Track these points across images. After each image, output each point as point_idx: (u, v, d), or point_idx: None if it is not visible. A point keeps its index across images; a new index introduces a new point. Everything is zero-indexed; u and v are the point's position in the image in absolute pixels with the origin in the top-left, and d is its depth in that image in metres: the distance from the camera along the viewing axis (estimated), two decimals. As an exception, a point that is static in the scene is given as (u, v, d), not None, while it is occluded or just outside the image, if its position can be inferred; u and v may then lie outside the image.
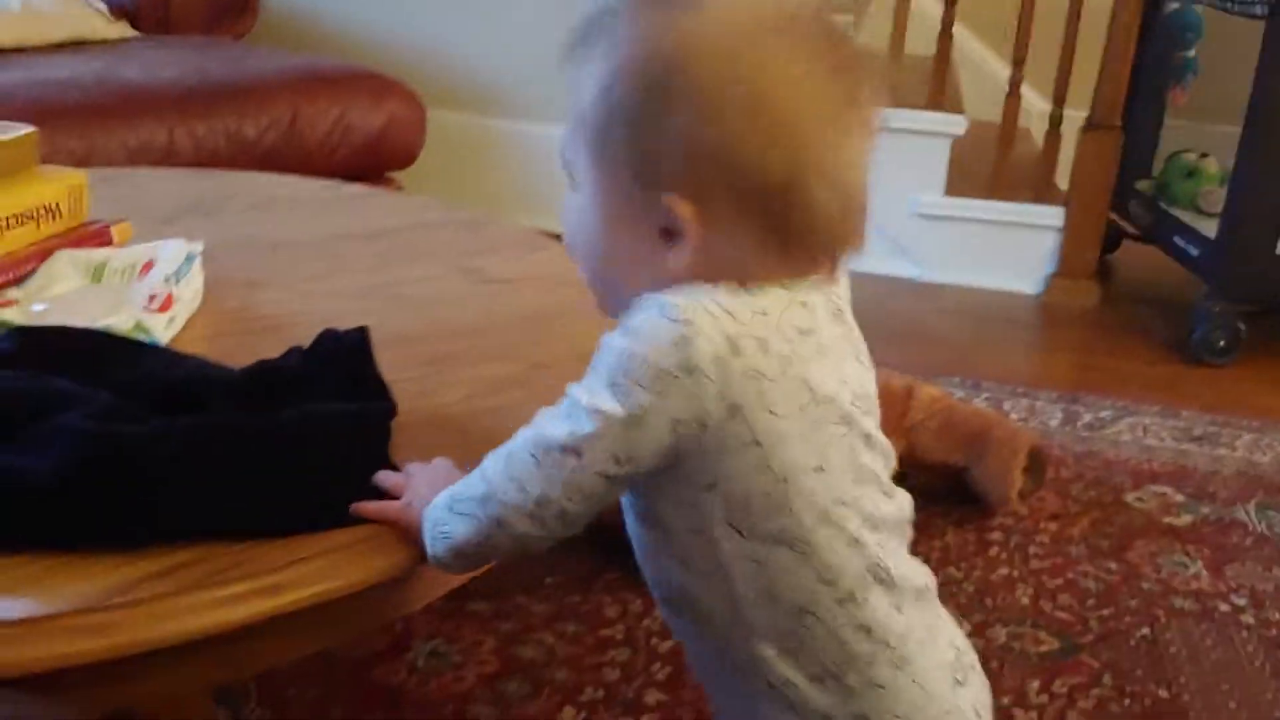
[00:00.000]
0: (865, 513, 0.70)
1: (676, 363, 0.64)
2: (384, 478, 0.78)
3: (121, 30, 2.39)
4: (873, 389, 0.75)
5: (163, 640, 0.67)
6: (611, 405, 0.65)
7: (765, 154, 0.66)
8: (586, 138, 0.71)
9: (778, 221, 0.68)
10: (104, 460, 0.72)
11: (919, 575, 0.75)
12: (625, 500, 0.75)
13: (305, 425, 0.79)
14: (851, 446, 0.70)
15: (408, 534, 0.74)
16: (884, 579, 0.71)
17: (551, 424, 0.68)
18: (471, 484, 0.72)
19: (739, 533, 0.69)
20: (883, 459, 0.74)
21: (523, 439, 0.70)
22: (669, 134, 0.67)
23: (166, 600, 0.68)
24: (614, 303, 0.73)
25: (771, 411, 0.66)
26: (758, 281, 0.68)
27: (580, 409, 0.66)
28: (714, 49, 0.67)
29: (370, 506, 0.76)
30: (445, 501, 0.73)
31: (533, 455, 0.69)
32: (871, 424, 0.73)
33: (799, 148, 0.67)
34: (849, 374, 0.72)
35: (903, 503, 0.76)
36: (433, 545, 0.73)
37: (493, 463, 0.71)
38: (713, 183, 0.67)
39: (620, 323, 0.67)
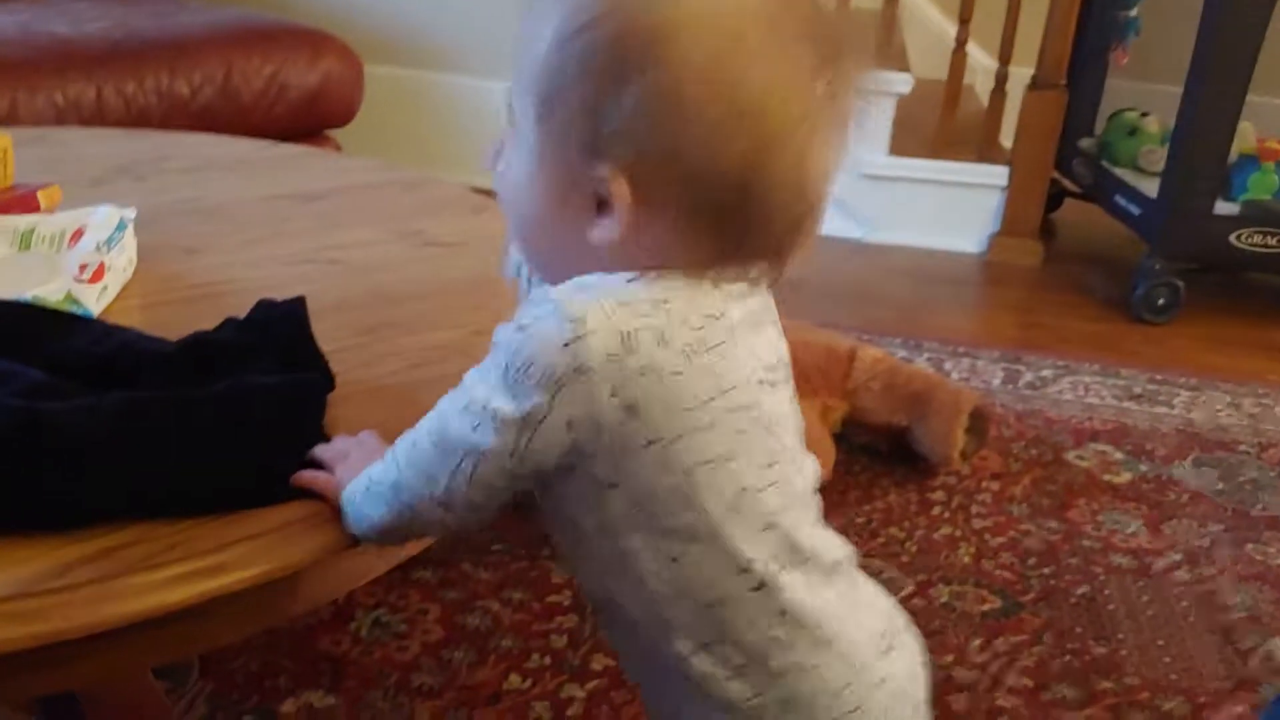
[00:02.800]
0: (775, 495, 0.68)
1: (567, 364, 0.62)
2: (321, 450, 0.76)
3: (47, -18, 2.32)
4: (785, 351, 0.72)
5: (100, 625, 0.65)
6: (506, 405, 0.63)
7: (725, 147, 0.63)
8: (535, 90, 0.67)
9: (726, 217, 0.65)
10: (28, 439, 0.70)
11: (833, 548, 0.73)
12: (540, 505, 0.73)
13: (237, 399, 0.77)
14: (761, 427, 0.68)
15: (336, 507, 0.73)
16: (797, 560, 0.69)
17: (452, 417, 0.66)
18: (385, 469, 0.70)
19: (647, 531, 0.67)
20: (794, 430, 0.72)
21: (426, 429, 0.68)
22: (623, 105, 0.63)
23: (103, 584, 0.66)
24: (540, 267, 0.72)
25: (670, 407, 0.64)
26: (681, 272, 0.66)
27: (477, 405, 0.65)
28: (692, 28, 0.63)
29: (304, 476, 0.74)
30: (363, 483, 0.71)
31: (435, 446, 0.67)
32: (782, 394, 0.71)
33: (764, 146, 0.63)
34: (760, 346, 0.69)
35: (809, 472, 0.73)
36: (356, 525, 0.72)
37: (402, 450, 0.70)
38: (659, 165, 0.64)
39: (516, 314, 0.65)
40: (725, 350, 0.66)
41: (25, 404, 0.72)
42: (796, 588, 0.69)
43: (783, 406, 0.71)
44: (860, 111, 0.67)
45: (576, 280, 0.66)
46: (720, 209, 0.65)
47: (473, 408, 0.65)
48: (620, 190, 0.64)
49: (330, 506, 0.73)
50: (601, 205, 0.66)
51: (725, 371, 0.66)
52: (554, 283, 0.68)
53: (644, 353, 0.63)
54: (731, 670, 0.70)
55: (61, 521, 0.69)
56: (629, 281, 0.65)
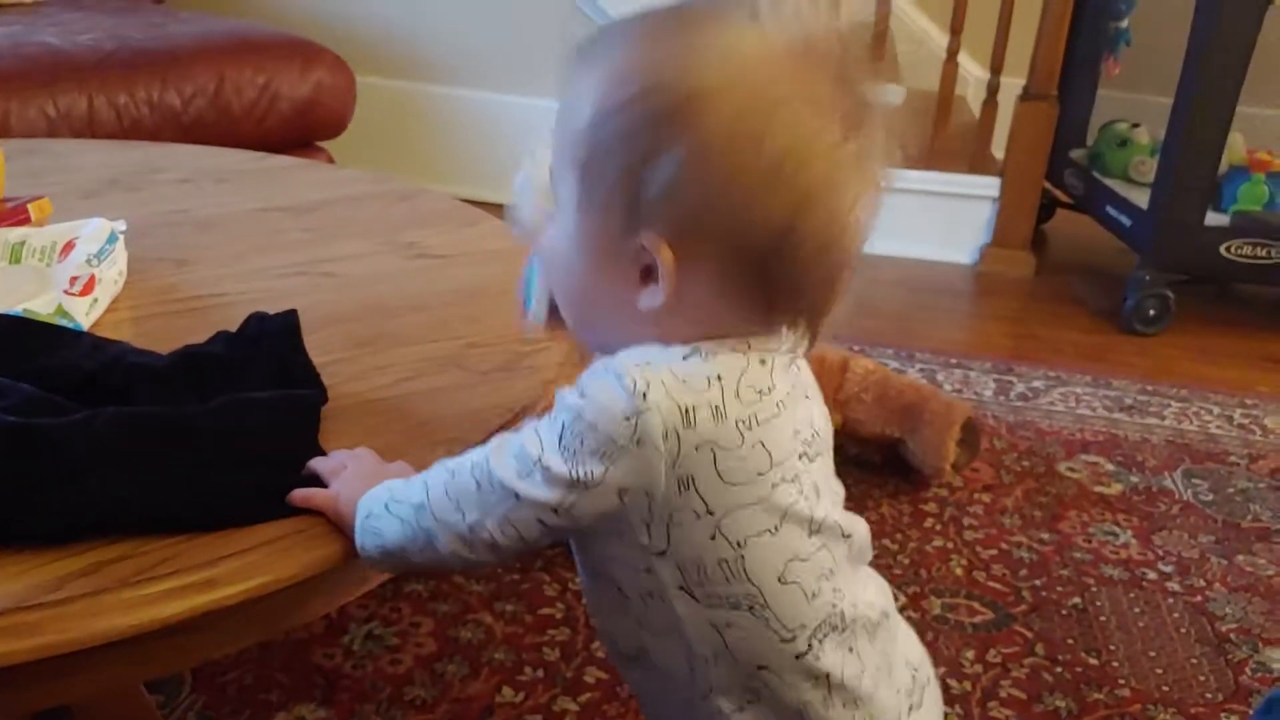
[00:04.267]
0: (820, 564, 0.70)
1: (627, 436, 0.63)
2: (318, 463, 0.76)
3: (39, -8, 2.31)
4: (822, 422, 0.74)
5: (92, 639, 0.65)
6: (559, 465, 0.64)
7: (764, 205, 0.63)
8: (576, 164, 0.68)
9: (767, 274, 0.65)
10: (25, 454, 0.70)
11: (876, 604, 0.75)
12: (577, 558, 0.75)
13: (232, 414, 0.77)
14: (806, 499, 0.69)
15: (336, 523, 0.73)
16: (839, 624, 0.71)
17: (502, 458, 0.67)
18: (412, 489, 0.71)
19: (694, 598, 0.68)
20: (834, 496, 0.74)
21: (470, 461, 0.69)
22: (662, 173, 0.64)
23: (96, 598, 0.65)
24: (588, 336, 0.72)
25: (726, 481, 0.65)
26: (730, 334, 0.67)
27: (529, 457, 0.66)
28: (724, 92, 0.63)
29: (299, 495, 0.74)
30: (383, 497, 0.71)
31: (476, 480, 0.68)
32: (823, 464, 0.72)
33: (800, 202, 0.64)
34: (800, 419, 0.70)
35: (858, 530, 0.75)
36: (361, 537, 0.72)
37: (437, 475, 0.70)
38: (701, 228, 0.64)
39: (579, 378, 0.66)
40: (775, 424, 0.67)
41: (21, 420, 0.71)
42: (837, 653, 0.71)
43: (823, 478, 0.72)
44: (891, 164, 0.67)
45: (635, 351, 0.67)
46: (761, 266, 0.65)
47: (524, 457, 0.66)
48: (665, 256, 0.65)
49: (327, 521, 0.73)
50: (646, 272, 0.67)
51: (775, 445, 0.67)
52: (601, 349, 0.70)
53: (702, 428, 0.64)
54: None
55: (57, 536, 0.68)
56: (685, 358, 0.66)
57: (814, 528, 0.70)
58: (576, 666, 1.31)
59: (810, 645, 0.70)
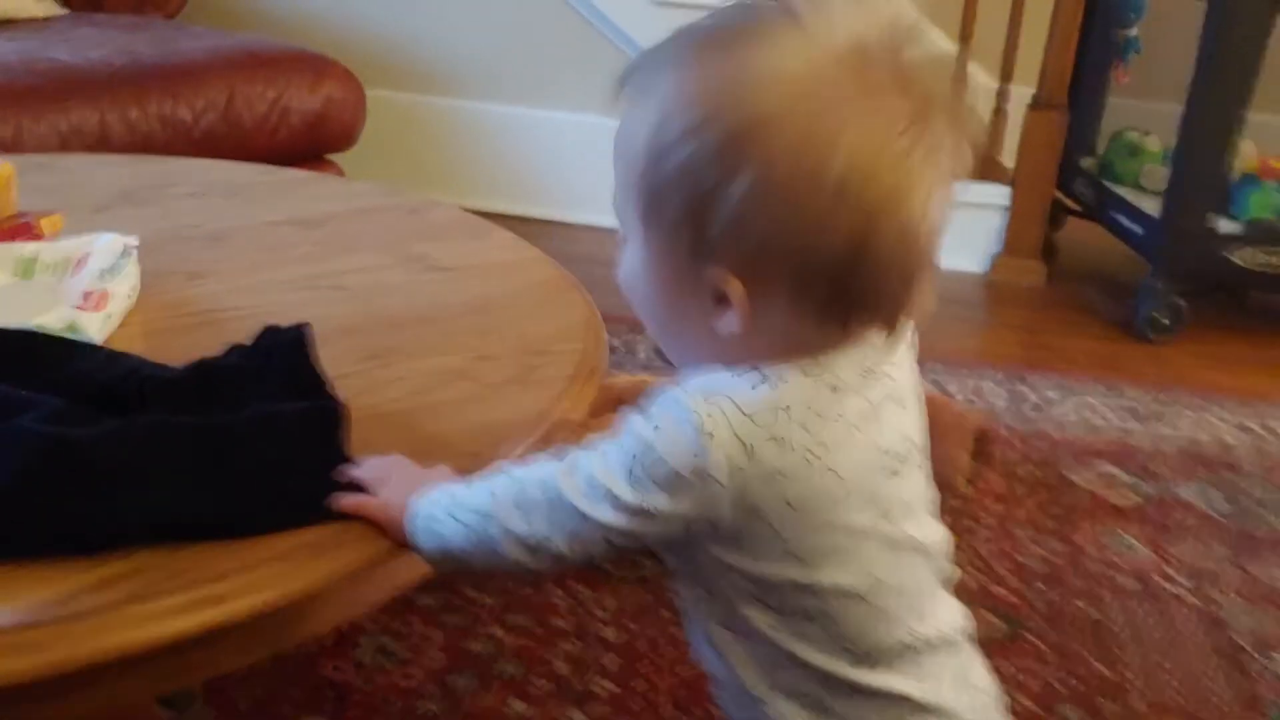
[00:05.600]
0: (897, 581, 0.70)
1: (693, 470, 0.64)
2: (360, 471, 0.77)
3: (49, 8, 2.32)
4: (913, 429, 0.73)
5: (101, 655, 0.65)
6: (627, 494, 0.65)
7: (832, 226, 0.62)
8: (639, 198, 0.67)
9: (841, 291, 0.64)
10: (61, 464, 0.70)
11: (953, 623, 0.75)
12: (666, 561, 0.76)
13: (264, 423, 0.77)
14: (888, 518, 0.69)
15: (386, 529, 0.74)
16: (914, 644, 0.71)
17: (572, 480, 0.68)
18: (477, 495, 0.71)
19: (769, 608, 0.69)
20: (923, 513, 0.73)
21: (540, 475, 0.70)
22: (727, 205, 0.63)
23: (106, 614, 0.65)
24: (672, 352, 0.73)
25: (795, 509, 0.65)
26: (810, 349, 0.67)
27: (598, 481, 0.66)
28: (781, 117, 0.62)
29: (348, 501, 0.74)
30: (445, 502, 0.72)
31: (545, 496, 0.69)
32: (912, 480, 0.72)
33: (869, 216, 0.62)
34: (888, 433, 0.70)
35: (940, 546, 0.74)
36: (424, 540, 0.72)
37: (505, 484, 0.71)
38: (770, 256, 0.64)
39: (651, 407, 0.67)
40: (847, 449, 0.67)
41: (55, 430, 0.72)
42: (911, 671, 0.71)
43: (907, 492, 0.72)
44: (961, 157, 0.65)
45: (704, 380, 0.67)
46: (836, 283, 0.64)
47: (594, 481, 0.67)
48: (735, 287, 0.65)
49: (336, 534, 0.73)
50: (720, 298, 0.66)
51: (847, 470, 0.67)
52: (685, 363, 0.71)
53: (767, 461, 0.64)
54: None
55: (95, 546, 0.69)
56: (754, 386, 0.66)
57: (893, 546, 0.70)
58: (587, 679, 1.31)
59: (884, 661, 0.70)
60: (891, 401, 0.71)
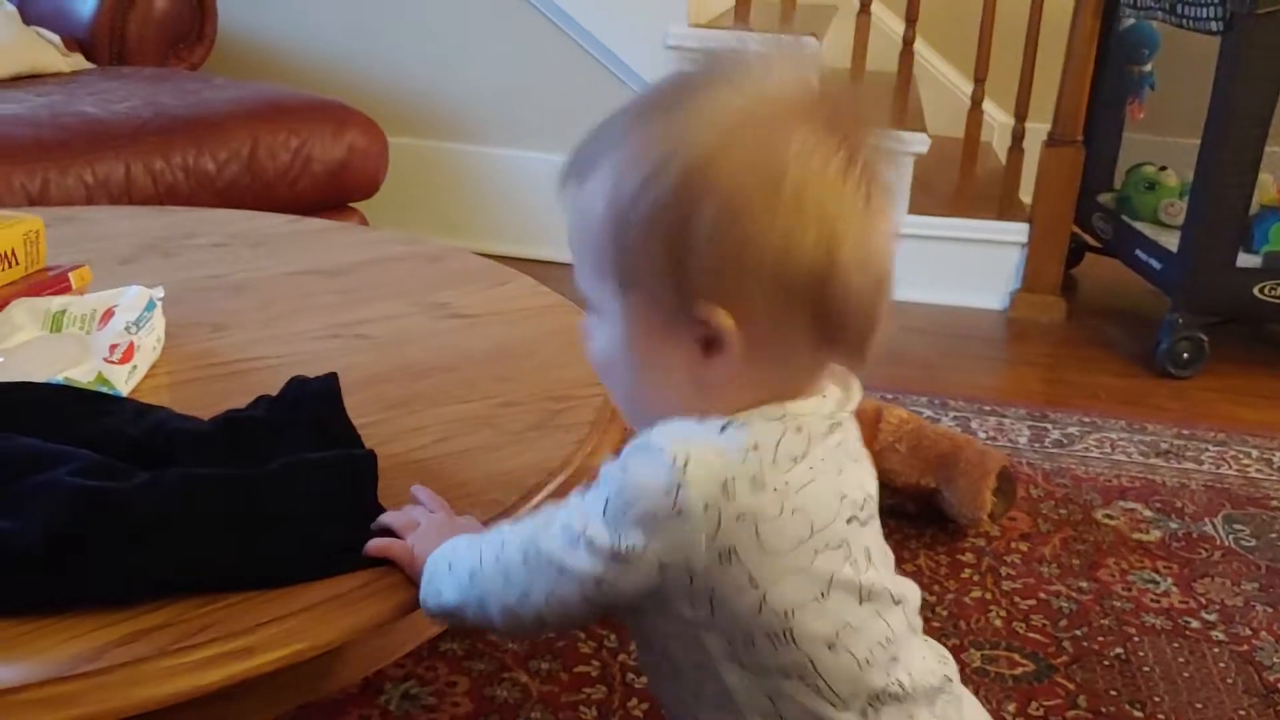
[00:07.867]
0: (873, 631, 0.70)
1: (667, 509, 0.64)
2: (391, 518, 0.78)
3: (76, 63, 2.36)
4: (871, 484, 0.74)
5: (131, 709, 0.66)
6: (603, 537, 0.66)
7: (800, 241, 0.64)
8: (607, 259, 0.68)
9: (819, 311, 0.66)
10: (96, 517, 0.71)
11: (934, 671, 0.75)
12: (630, 630, 0.76)
13: (293, 475, 0.78)
14: (854, 565, 0.70)
15: (409, 574, 0.75)
16: (896, 694, 0.71)
17: (548, 531, 0.69)
18: (470, 553, 0.73)
19: (745, 668, 0.69)
20: (885, 564, 0.74)
21: (519, 535, 0.71)
22: (697, 239, 0.65)
23: (134, 667, 0.66)
24: (639, 417, 0.73)
25: (766, 550, 0.66)
26: (784, 395, 0.68)
27: (573, 529, 0.67)
28: (730, 144, 0.65)
29: (375, 544, 0.76)
30: (446, 559, 0.73)
31: (524, 554, 0.69)
32: (872, 531, 0.73)
33: (830, 230, 0.64)
34: (847, 484, 0.71)
35: (909, 596, 0.75)
36: (424, 593, 0.74)
37: (491, 543, 0.72)
38: (749, 282, 0.65)
39: (623, 452, 0.67)
40: (812, 491, 0.67)
41: (90, 483, 0.73)
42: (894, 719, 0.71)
43: (870, 541, 0.72)
44: (893, 178, 0.68)
45: (674, 426, 0.67)
46: (815, 303, 0.66)
47: (570, 529, 0.67)
48: (724, 322, 0.66)
49: (365, 585, 0.74)
50: (708, 344, 0.67)
51: (816, 512, 0.68)
52: (652, 422, 0.69)
53: (740, 500, 0.65)
54: None
55: (129, 597, 0.70)
56: (722, 430, 0.66)
57: (864, 595, 0.70)
58: (613, 724, 1.30)
59: (866, 714, 0.70)
60: (848, 453, 0.72)
